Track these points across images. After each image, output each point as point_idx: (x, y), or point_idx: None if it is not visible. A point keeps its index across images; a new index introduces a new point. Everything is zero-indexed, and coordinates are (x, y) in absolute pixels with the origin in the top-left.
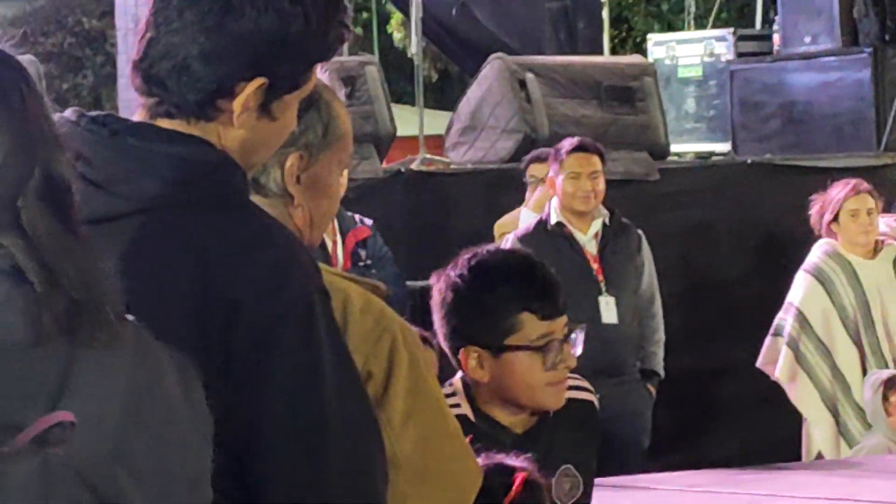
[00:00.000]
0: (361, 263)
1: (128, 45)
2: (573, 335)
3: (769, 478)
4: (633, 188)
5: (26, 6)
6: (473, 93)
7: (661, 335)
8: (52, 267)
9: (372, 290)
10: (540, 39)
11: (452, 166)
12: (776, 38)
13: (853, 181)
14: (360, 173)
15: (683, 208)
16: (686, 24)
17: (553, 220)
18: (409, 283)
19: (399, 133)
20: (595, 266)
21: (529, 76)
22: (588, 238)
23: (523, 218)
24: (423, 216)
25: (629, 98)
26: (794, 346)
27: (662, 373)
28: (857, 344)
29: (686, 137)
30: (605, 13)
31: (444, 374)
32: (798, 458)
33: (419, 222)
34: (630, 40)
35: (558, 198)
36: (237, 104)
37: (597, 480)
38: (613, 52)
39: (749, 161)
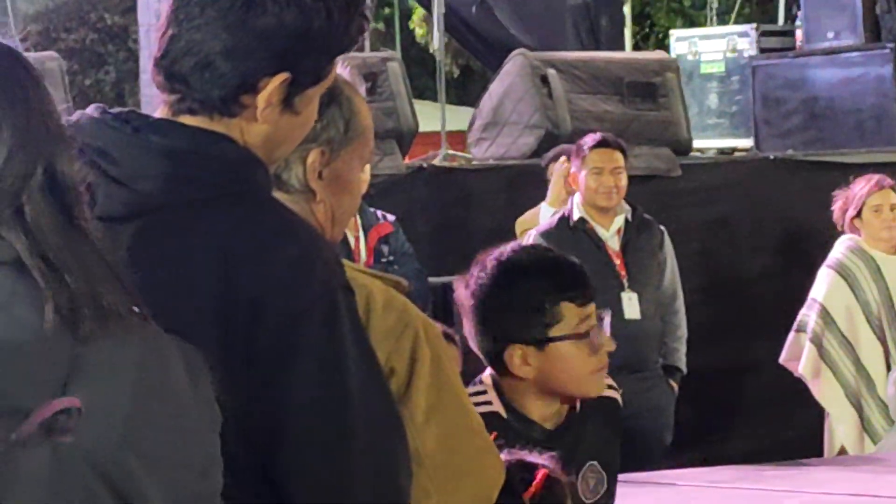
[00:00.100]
0: (384, 259)
1: (150, 41)
2: (602, 321)
3: (791, 474)
4: (655, 184)
5: (49, 2)
6: (495, 88)
7: (683, 331)
8: (55, 262)
9: (394, 286)
10: (561, 36)
11: (474, 162)
12: (799, 33)
13: (876, 177)
14: (383, 169)
15: (706, 204)
16: (708, 20)
17: (575, 216)
18: (430, 279)
19: (421, 129)
20: (617, 262)
21: (551, 72)
22: (610, 234)
23: (542, 213)
24: (445, 212)
25: (651, 94)
26: (817, 341)
27: (685, 369)
28: (881, 339)
29: (708, 133)
30: (627, 9)
31: (469, 371)
32: (820, 454)
33: (441, 218)
34: (652, 36)
35: (581, 194)
36: (261, 100)
37: (619, 476)
38: (636, 48)
39: (771, 157)
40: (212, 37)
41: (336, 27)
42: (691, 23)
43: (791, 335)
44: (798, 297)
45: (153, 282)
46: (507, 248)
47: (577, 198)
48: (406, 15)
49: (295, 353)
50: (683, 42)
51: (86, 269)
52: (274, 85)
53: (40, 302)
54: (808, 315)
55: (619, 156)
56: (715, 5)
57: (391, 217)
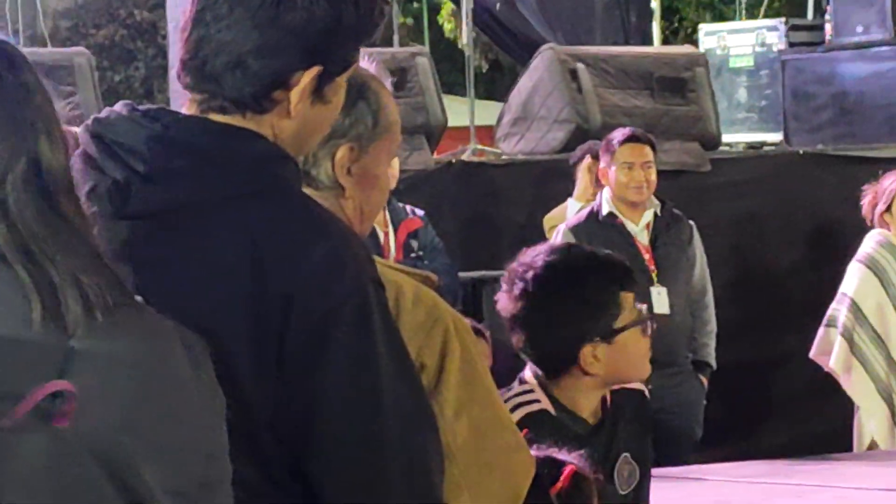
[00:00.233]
0: (413, 254)
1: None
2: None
3: (821, 468)
4: (684, 179)
5: None
6: (524, 83)
7: (712, 326)
8: (37, 254)
9: (423, 280)
10: (590, 32)
11: (503, 157)
12: (828, 27)
13: None
14: (412, 164)
15: (735, 199)
16: (737, 14)
17: (605, 211)
18: (459, 273)
19: (450, 124)
20: (647, 256)
21: (581, 67)
22: (640, 228)
23: (570, 208)
24: (473, 207)
25: (681, 88)
26: (848, 336)
27: (714, 364)
28: None
29: (737, 128)
30: (655, 4)
31: (497, 368)
32: (850, 448)
33: (470, 213)
34: (681, 31)
35: (610, 188)
36: (294, 95)
37: None
38: (665, 42)
39: (801, 151)
40: (243, 36)
41: (363, 15)
42: (720, 17)
43: (821, 330)
44: (827, 291)
45: (184, 279)
46: (546, 253)
47: (607, 192)
48: (435, 10)
49: (326, 350)
50: (712, 36)
51: (71, 261)
52: (307, 79)
53: (22, 294)
54: (838, 310)
55: (648, 150)
56: (744, 0)
57: (420, 212)
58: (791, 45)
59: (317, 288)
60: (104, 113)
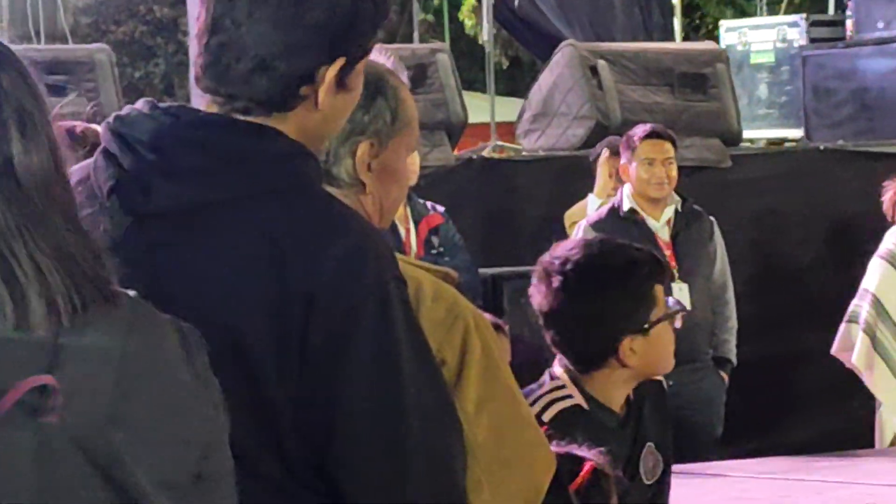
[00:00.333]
0: (434, 251)
1: None
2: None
3: (842, 465)
4: (705, 175)
5: None
6: (545, 80)
7: (733, 322)
8: (5, 253)
9: (443, 277)
10: (610, 28)
11: (524, 153)
12: (849, 23)
13: None
14: (432, 161)
15: (756, 195)
16: (758, 10)
17: (625, 207)
18: (480, 270)
19: (470, 120)
20: (667, 253)
21: (601, 63)
22: (660, 225)
23: (590, 204)
24: (494, 203)
25: (701, 84)
26: (870, 332)
27: (735, 360)
28: None
29: (758, 124)
30: (676, 0)
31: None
32: (872, 445)
33: (490, 210)
34: (703, 27)
35: (631, 185)
36: (322, 90)
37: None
38: (686, 39)
39: (822, 147)
40: (266, 39)
41: (379, 2)
42: (741, 13)
43: (842, 326)
44: (848, 287)
45: (206, 277)
46: (582, 247)
47: (627, 189)
48: (455, 6)
49: (348, 348)
50: (733, 32)
51: (39, 260)
52: (332, 73)
53: (17, 293)
54: (860, 306)
55: (669, 147)
56: None
57: (441, 208)
58: (812, 40)
59: (337, 286)
60: (125, 110)
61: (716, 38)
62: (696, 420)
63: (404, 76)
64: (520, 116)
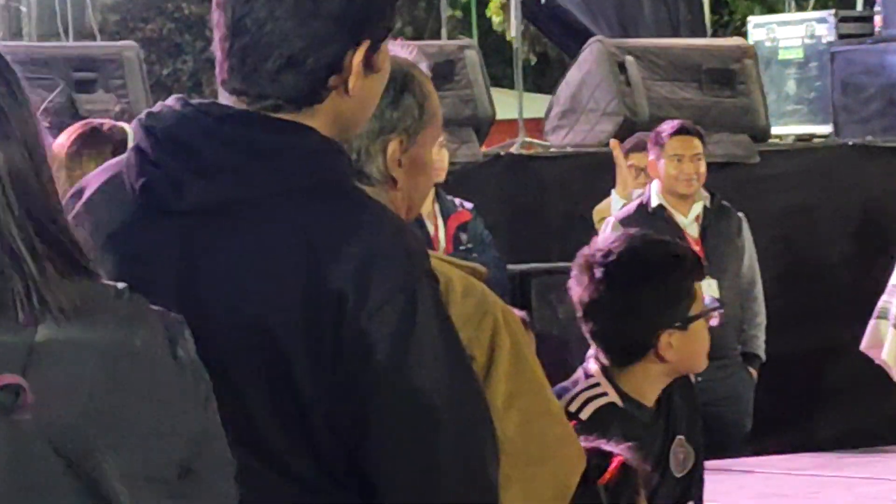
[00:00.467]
0: (462, 247)
1: None
2: None
3: (872, 461)
4: (733, 171)
5: None
6: (573, 76)
7: (762, 318)
8: None
9: (472, 273)
10: (637, 24)
11: (552, 150)
12: (878, 19)
13: None
14: (460, 157)
15: (784, 191)
16: (787, 7)
17: (654, 203)
18: (508, 266)
19: (498, 117)
20: (696, 249)
21: (629, 59)
22: (689, 221)
23: (613, 202)
24: (522, 200)
25: (729, 81)
26: None
27: (764, 356)
28: None
29: (786, 120)
30: None
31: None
32: None
33: (518, 206)
34: (731, 24)
35: (660, 181)
36: (352, 78)
37: None
38: (714, 35)
39: (850, 143)
40: (289, 35)
41: None
42: (769, 9)
43: (872, 322)
44: (877, 283)
45: (239, 274)
46: (623, 240)
47: (656, 185)
48: (483, 2)
49: (378, 344)
50: (761, 29)
51: (31, 254)
52: (359, 57)
53: None
54: (889, 302)
55: (697, 143)
56: None
57: (469, 205)
58: (840, 36)
59: (369, 283)
60: (157, 107)
61: (744, 35)
62: (725, 416)
63: (424, 66)
64: (548, 113)
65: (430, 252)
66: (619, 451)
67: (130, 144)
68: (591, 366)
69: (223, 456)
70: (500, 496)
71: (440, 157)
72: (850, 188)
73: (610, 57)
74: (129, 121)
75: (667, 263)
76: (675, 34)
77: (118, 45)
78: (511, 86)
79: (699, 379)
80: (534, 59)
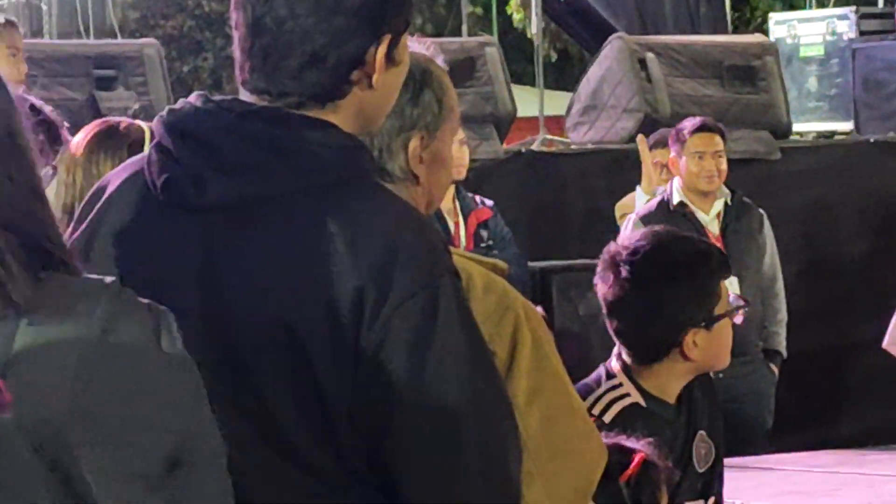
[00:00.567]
0: (483, 244)
1: None
2: None
3: (893, 458)
4: (754, 168)
5: None
6: (594, 73)
7: (783, 315)
8: None
9: (493, 269)
10: (658, 21)
11: (573, 147)
12: None
13: None
14: (481, 154)
15: (805, 187)
16: (808, 3)
17: (675, 200)
18: (528, 263)
19: (519, 114)
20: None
21: (650, 56)
22: (710, 218)
23: (638, 198)
24: (542, 197)
25: (751, 77)
26: None
27: (785, 352)
28: None
29: (808, 116)
30: None
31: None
32: None
33: (539, 203)
34: (752, 21)
35: (681, 178)
36: (377, 72)
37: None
38: (735, 32)
39: (871, 139)
40: (311, 32)
41: None
42: (790, 6)
43: (894, 319)
44: None
45: (261, 271)
46: (650, 238)
47: (677, 182)
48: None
49: (400, 341)
50: (782, 25)
51: (7, 248)
52: (382, 51)
53: None
54: None
55: (719, 140)
56: None
57: (489, 202)
58: (861, 33)
59: (390, 279)
60: (179, 104)
61: (765, 32)
62: (746, 413)
63: (441, 61)
64: (568, 109)
65: (453, 248)
66: (641, 447)
67: (147, 143)
68: (614, 364)
69: (215, 449)
70: (522, 493)
71: (461, 155)
72: (872, 185)
73: (631, 53)
74: (147, 119)
75: (694, 262)
76: (696, 31)
77: (139, 43)
78: (532, 83)
79: (720, 376)
80: (554, 56)
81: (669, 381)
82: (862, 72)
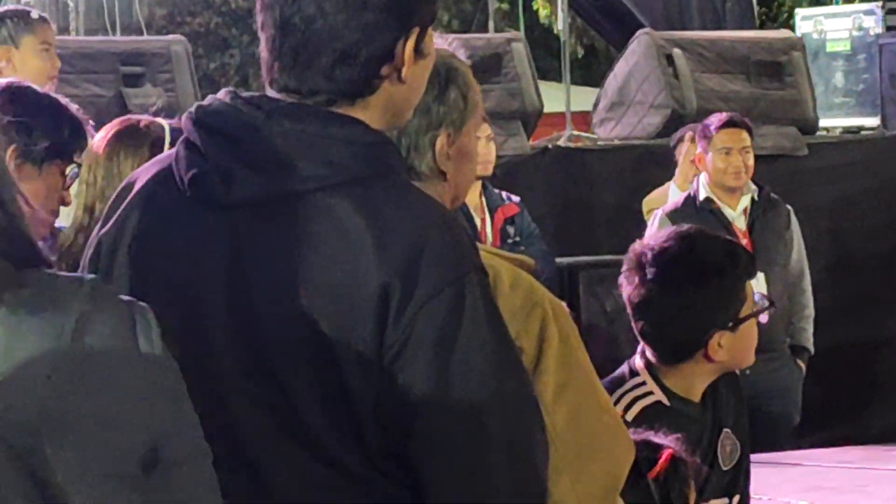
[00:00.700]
0: (510, 241)
1: None
2: None
3: None
4: (781, 163)
5: None
6: (620, 68)
7: (810, 310)
8: None
9: (520, 265)
10: (685, 16)
11: (599, 142)
12: None
13: None
14: (507, 150)
15: (832, 183)
16: None
17: (702, 196)
18: (556, 259)
19: (546, 110)
20: (744, 241)
21: (677, 51)
22: (737, 214)
23: (671, 194)
24: (569, 193)
25: (777, 73)
26: None
27: (812, 348)
28: None
29: (834, 112)
30: None
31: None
32: None
33: (566, 199)
34: (779, 16)
35: (707, 174)
36: (407, 66)
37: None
38: (762, 28)
39: None
40: (341, 30)
41: None
42: (817, 2)
43: None
44: None
45: (287, 267)
46: (676, 238)
47: (703, 178)
48: None
49: (426, 338)
50: (809, 21)
51: None
52: (411, 45)
53: None
54: None
55: (746, 135)
56: None
57: (516, 198)
58: (888, 28)
59: (417, 276)
60: (207, 100)
61: (791, 27)
62: (773, 409)
63: (463, 56)
64: (595, 105)
65: (479, 244)
66: (669, 442)
67: (167, 141)
68: (637, 362)
69: (196, 446)
70: (549, 490)
71: (487, 151)
72: None
73: (658, 49)
74: (168, 115)
75: (722, 264)
76: (723, 26)
77: (166, 40)
78: (558, 79)
79: (748, 372)
80: (581, 52)
81: (693, 380)
82: (888, 67)
